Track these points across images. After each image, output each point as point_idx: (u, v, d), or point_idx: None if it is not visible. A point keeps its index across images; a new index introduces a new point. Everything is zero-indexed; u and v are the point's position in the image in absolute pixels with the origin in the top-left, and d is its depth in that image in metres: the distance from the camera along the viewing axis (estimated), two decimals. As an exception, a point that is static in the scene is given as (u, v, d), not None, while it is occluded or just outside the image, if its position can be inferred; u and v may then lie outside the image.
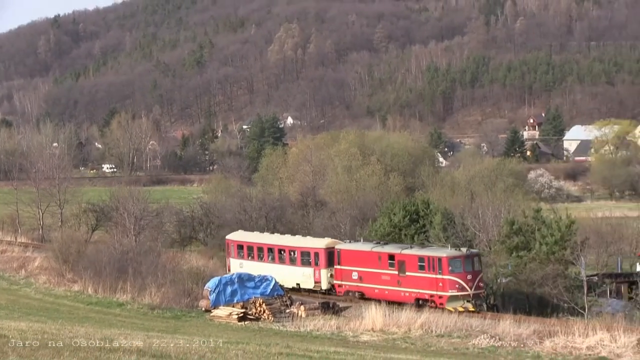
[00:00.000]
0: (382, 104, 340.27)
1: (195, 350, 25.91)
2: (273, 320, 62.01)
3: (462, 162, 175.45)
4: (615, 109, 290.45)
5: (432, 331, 55.05)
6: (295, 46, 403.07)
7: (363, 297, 67.96)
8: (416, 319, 56.84)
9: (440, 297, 63.64)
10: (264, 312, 63.38)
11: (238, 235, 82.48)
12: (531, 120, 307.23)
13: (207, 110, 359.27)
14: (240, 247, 79.63)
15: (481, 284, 65.41)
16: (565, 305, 64.73)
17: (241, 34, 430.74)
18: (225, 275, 70.65)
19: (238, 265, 77.38)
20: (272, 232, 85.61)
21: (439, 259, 64.27)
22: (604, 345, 49.63)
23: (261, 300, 64.96)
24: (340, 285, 70.46)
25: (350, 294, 69.76)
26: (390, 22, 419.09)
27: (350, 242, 75.53)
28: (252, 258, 77.44)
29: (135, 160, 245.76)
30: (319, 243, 73.98)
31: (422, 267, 65.06)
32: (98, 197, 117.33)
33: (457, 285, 63.22)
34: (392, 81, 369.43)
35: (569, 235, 72.28)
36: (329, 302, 68.98)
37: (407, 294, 65.22)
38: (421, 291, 65.05)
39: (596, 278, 70.63)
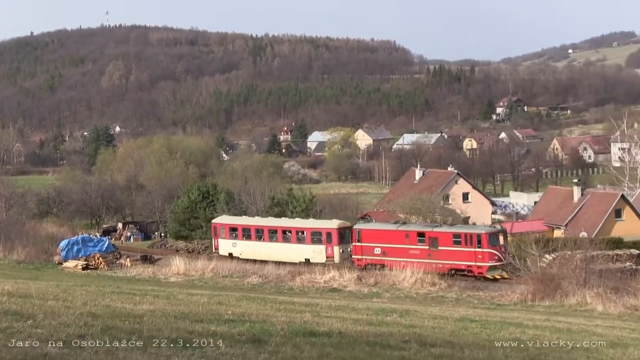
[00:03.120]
0: (182, 117, 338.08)
1: (50, 291, 24.95)
2: (107, 269, 60.64)
3: (238, 157, 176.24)
4: (341, 120, 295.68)
5: (219, 273, 54.72)
6: (121, 77, 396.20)
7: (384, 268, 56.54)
8: (208, 265, 56.34)
9: (480, 267, 54.57)
10: (101, 263, 61.94)
11: (227, 219, 69.57)
12: (285, 128, 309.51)
13: (57, 121, 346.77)
14: (233, 229, 67.05)
15: (507, 255, 56.60)
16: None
17: (82, 68, 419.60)
18: (72, 238, 68.66)
19: (231, 245, 66.23)
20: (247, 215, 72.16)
21: (479, 235, 55.49)
22: (335, 279, 50.50)
23: (98, 255, 63.53)
24: (360, 259, 59.29)
25: (369, 266, 58.36)
26: (187, 60, 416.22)
27: (364, 222, 67.15)
28: (249, 238, 65.61)
29: (5, 157, 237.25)
30: (331, 224, 63.47)
31: (457, 242, 55.79)
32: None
33: (495, 257, 54.73)
34: (189, 101, 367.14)
35: (311, 205, 73.30)
36: (147, 254, 67.86)
37: (440, 265, 54.88)
38: (457, 262, 55.34)
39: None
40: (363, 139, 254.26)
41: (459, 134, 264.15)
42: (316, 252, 61.67)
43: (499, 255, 55.20)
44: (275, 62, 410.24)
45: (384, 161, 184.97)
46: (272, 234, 65.07)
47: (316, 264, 58.02)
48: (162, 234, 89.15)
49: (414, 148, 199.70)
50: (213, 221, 69.45)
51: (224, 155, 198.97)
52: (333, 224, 63.67)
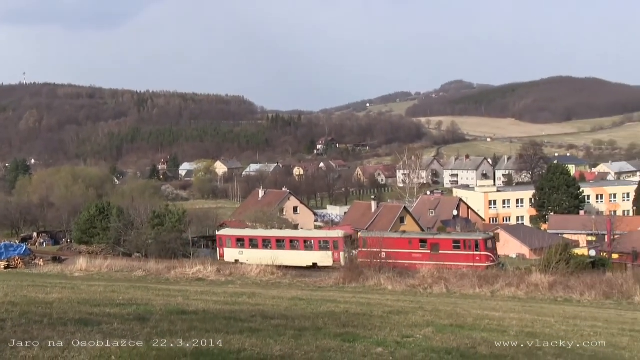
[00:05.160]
0: (84, 152, 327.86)
1: (-22, 287, 23.52)
2: (25, 268, 57.21)
3: (127, 182, 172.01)
4: (204, 154, 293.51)
5: (113, 269, 52.66)
6: (35, 122, 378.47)
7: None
8: (104, 263, 54.01)
9: (477, 267, 45.90)
10: (20, 263, 58.35)
11: (231, 232, 61.81)
12: (162, 160, 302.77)
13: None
14: (239, 239, 59.33)
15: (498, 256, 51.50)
16: (181, 252, 64.25)
17: (4, 115, 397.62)
18: (-5, 245, 64.39)
19: (237, 253, 58.19)
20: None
21: (476, 241, 49.56)
22: (201, 272, 49.53)
23: (18, 257, 59.79)
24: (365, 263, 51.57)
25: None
26: (87, 109, 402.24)
27: (367, 231, 59.91)
28: (256, 247, 57.78)
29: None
30: (337, 233, 56.86)
31: (457, 247, 49.56)
32: None
33: (490, 259, 49.17)
34: (89, 140, 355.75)
35: (183, 217, 72.11)
36: (56, 256, 64.70)
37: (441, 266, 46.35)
38: (456, 264, 46.61)
39: (196, 238, 70.63)
40: (221, 167, 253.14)
41: (290, 164, 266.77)
42: (324, 257, 54.52)
43: (493, 257, 50.44)
44: (155, 111, 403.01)
45: (236, 184, 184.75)
46: (280, 243, 57.52)
47: (323, 267, 51.54)
48: (69, 240, 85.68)
49: (258, 174, 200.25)
50: (218, 233, 61.77)
51: (116, 180, 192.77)
52: (339, 233, 57.26)
